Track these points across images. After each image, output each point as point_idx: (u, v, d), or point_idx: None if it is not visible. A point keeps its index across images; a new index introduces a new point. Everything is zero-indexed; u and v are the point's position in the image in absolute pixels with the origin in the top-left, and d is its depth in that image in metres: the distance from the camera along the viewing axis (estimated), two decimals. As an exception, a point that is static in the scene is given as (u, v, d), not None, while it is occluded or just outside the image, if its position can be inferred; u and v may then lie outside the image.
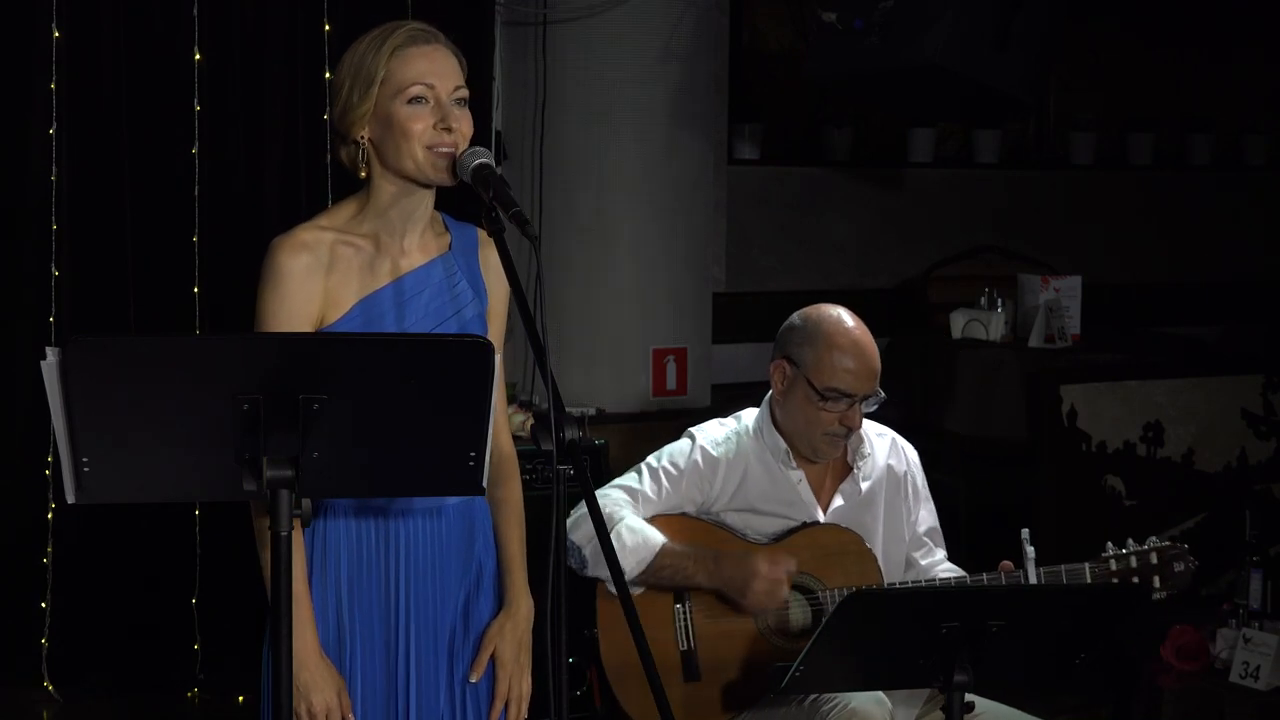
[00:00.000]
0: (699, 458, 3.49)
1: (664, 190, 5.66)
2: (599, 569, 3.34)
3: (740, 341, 6.41)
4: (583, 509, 3.29)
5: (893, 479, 3.58)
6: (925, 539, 3.61)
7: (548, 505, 2.50)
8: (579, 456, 2.45)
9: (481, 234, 2.82)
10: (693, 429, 3.58)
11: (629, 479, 3.50)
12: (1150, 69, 7.81)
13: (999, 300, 5.91)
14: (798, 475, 3.50)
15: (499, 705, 2.82)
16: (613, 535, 3.31)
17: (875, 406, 3.48)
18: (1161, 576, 3.40)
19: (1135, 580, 3.37)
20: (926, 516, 3.63)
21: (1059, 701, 4.52)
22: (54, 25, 4.84)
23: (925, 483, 3.64)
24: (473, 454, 2.40)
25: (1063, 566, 3.37)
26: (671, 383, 5.72)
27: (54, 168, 4.88)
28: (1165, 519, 5.48)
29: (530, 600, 2.84)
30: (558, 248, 5.58)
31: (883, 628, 2.70)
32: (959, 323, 5.97)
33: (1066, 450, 5.42)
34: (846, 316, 3.48)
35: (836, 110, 6.97)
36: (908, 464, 3.61)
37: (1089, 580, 3.36)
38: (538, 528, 2.86)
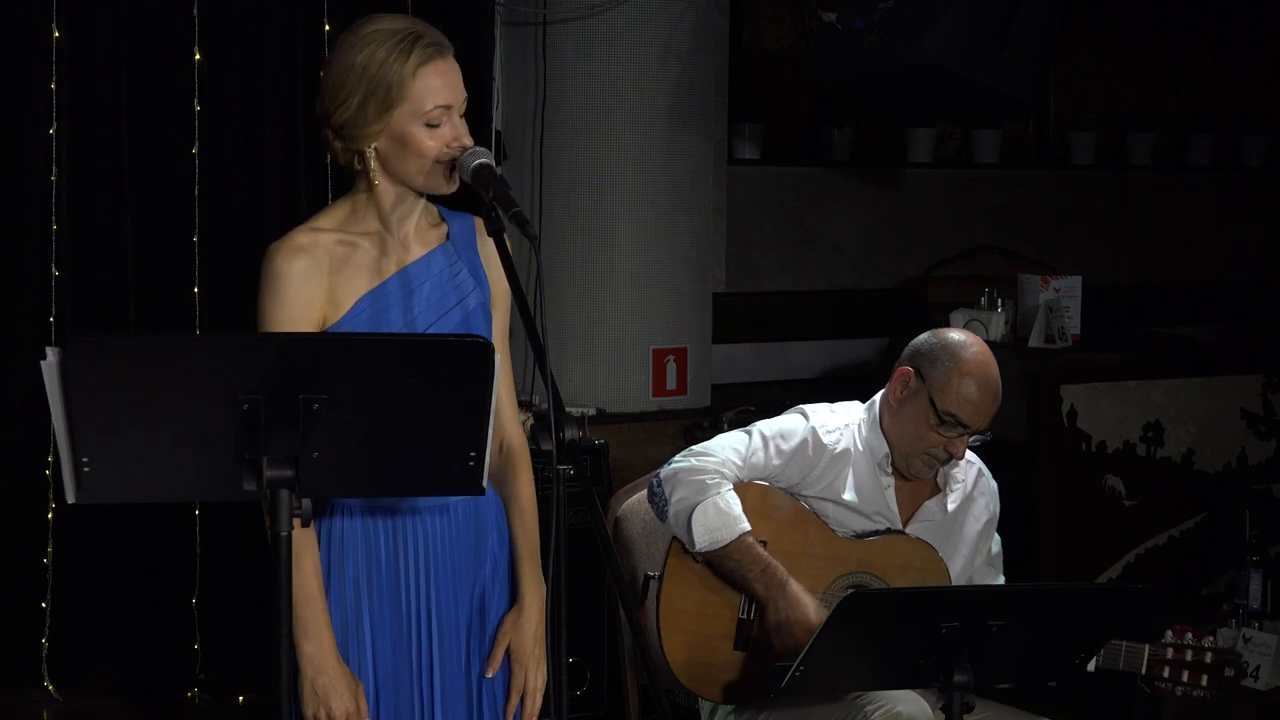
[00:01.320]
0: (810, 440, 3.48)
1: (664, 190, 5.66)
2: (681, 530, 3.36)
3: (740, 341, 6.41)
4: (687, 461, 3.36)
5: (976, 507, 3.59)
6: (989, 566, 3.63)
7: (547, 505, 2.50)
8: (579, 456, 2.45)
9: (478, 222, 2.80)
10: (804, 407, 3.56)
11: (738, 439, 3.49)
12: (1150, 69, 7.81)
13: (999, 300, 5.90)
14: (889, 482, 3.49)
15: (515, 699, 2.83)
16: (703, 505, 3.34)
17: (979, 444, 3.48)
18: (1210, 676, 3.39)
19: (1185, 675, 3.36)
20: (995, 545, 3.64)
21: (1059, 702, 4.52)
22: (54, 25, 4.84)
23: (999, 514, 3.65)
24: (473, 454, 2.40)
25: (1124, 643, 3.35)
26: (671, 383, 5.72)
27: (54, 168, 4.88)
28: (1165, 519, 5.48)
29: (542, 593, 2.84)
30: (558, 248, 5.58)
31: (883, 628, 2.70)
32: (959, 323, 5.95)
33: (1066, 450, 5.41)
34: (984, 351, 3.47)
35: (836, 110, 6.97)
36: (991, 495, 3.62)
37: (1145, 664, 3.34)
38: (538, 527, 2.87)
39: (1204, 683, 3.35)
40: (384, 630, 2.76)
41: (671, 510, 3.37)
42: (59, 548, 4.93)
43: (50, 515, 4.90)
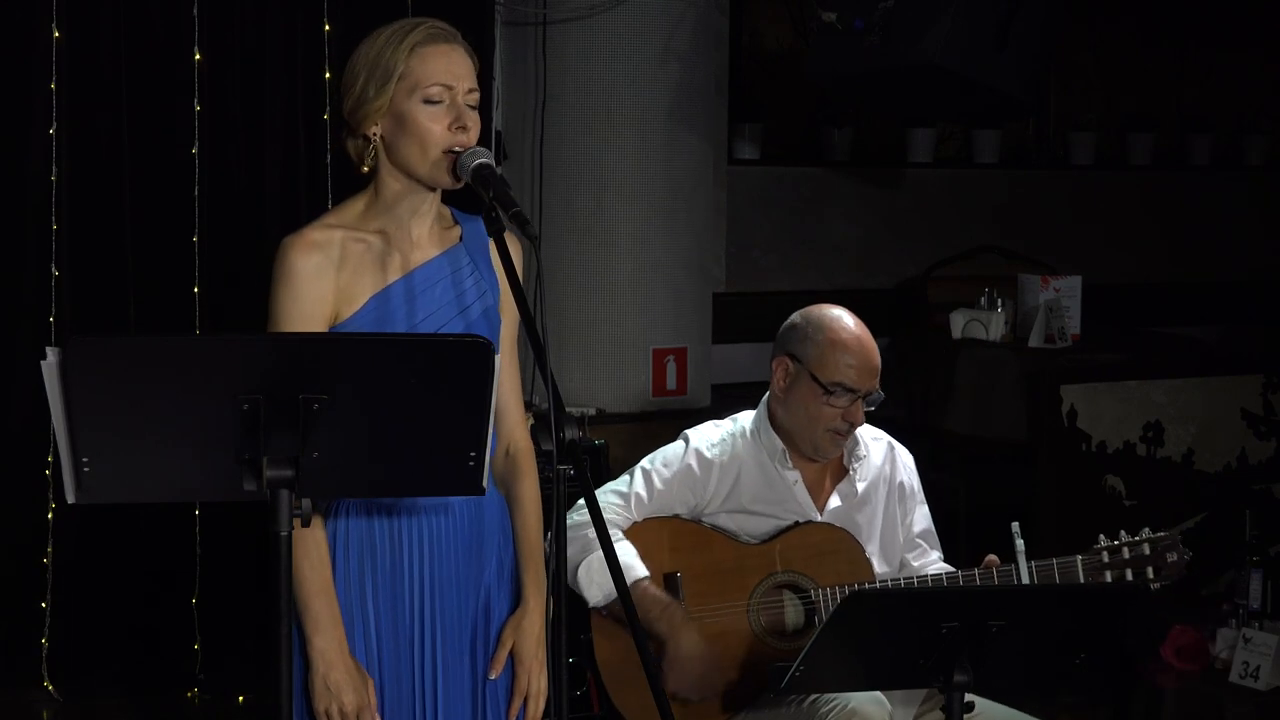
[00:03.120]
0: (693, 460, 3.49)
1: (664, 190, 5.66)
2: (573, 586, 3.34)
3: (740, 341, 6.41)
4: (574, 518, 3.30)
5: (888, 482, 3.59)
6: (919, 540, 3.62)
7: (547, 505, 2.50)
8: (579, 456, 2.45)
9: None
10: (688, 431, 3.58)
11: (621, 482, 3.51)
12: (1150, 69, 7.81)
13: (999, 300, 5.91)
14: (794, 476, 3.50)
15: (517, 701, 2.83)
16: (586, 562, 3.33)
17: (874, 406, 3.49)
18: (1155, 568, 3.39)
19: (1128, 571, 3.37)
20: (921, 519, 3.64)
21: (1059, 701, 4.53)
22: (54, 25, 4.84)
23: (920, 487, 3.66)
24: (473, 454, 2.40)
25: (1054, 560, 3.37)
26: (671, 383, 5.72)
27: (54, 168, 4.88)
28: (1165, 519, 5.48)
29: (545, 595, 2.84)
30: (558, 248, 5.58)
31: (883, 628, 2.70)
32: (959, 323, 5.97)
33: (1066, 450, 5.42)
34: (847, 315, 3.51)
35: (836, 110, 6.97)
36: (903, 468, 3.63)
37: (1080, 572, 3.36)
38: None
39: (1150, 575, 3.35)
40: (386, 631, 2.76)
41: (569, 573, 3.34)
42: (59, 548, 4.93)
43: (50, 515, 4.90)
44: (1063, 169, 7.54)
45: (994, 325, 5.87)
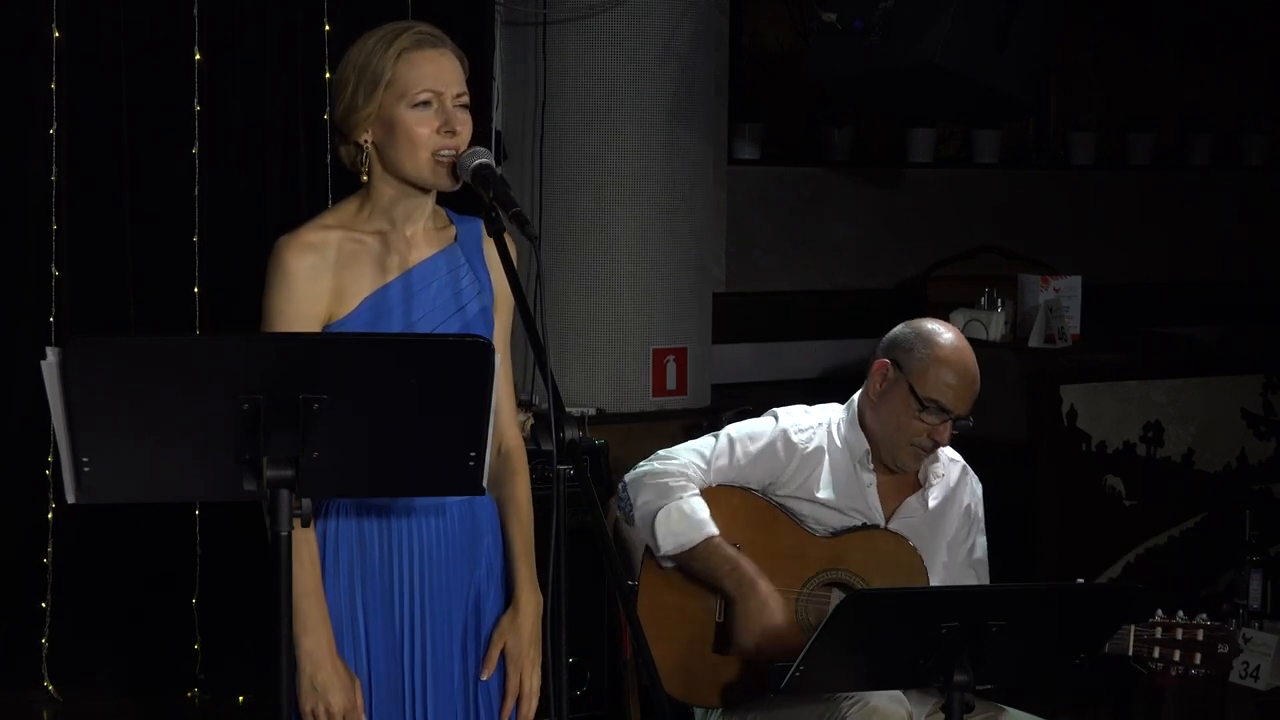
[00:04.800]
0: (779, 440, 3.49)
1: (664, 190, 5.66)
2: (646, 534, 3.37)
3: (740, 341, 6.41)
4: (646, 467, 3.36)
5: (958, 505, 3.59)
6: (972, 568, 3.62)
7: (548, 505, 2.50)
8: (579, 456, 2.45)
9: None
10: (778, 409, 3.58)
11: (704, 444, 3.50)
12: (1150, 69, 7.81)
13: (999, 300, 5.90)
14: (870, 478, 3.50)
15: (510, 701, 2.83)
16: (666, 509, 3.35)
17: (961, 432, 3.49)
18: (1204, 655, 3.36)
19: (1177, 652, 3.33)
20: (979, 548, 3.64)
21: (1059, 701, 4.52)
22: (54, 25, 4.84)
23: (983, 516, 3.65)
24: (473, 454, 2.40)
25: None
26: (671, 383, 5.72)
27: (54, 168, 4.88)
28: (1165, 519, 5.48)
29: (538, 595, 2.85)
30: (558, 248, 5.58)
31: (883, 628, 2.70)
32: (959, 323, 5.95)
33: (1066, 450, 5.41)
34: (957, 337, 3.51)
35: (836, 110, 6.97)
36: (972, 494, 3.63)
37: (1131, 643, 3.32)
38: (538, 528, 2.87)
39: (1197, 661, 3.32)
40: (377, 632, 2.76)
41: (637, 515, 3.38)
42: (59, 548, 4.93)
43: (50, 515, 4.90)
44: (1063, 169, 7.54)
45: (994, 325, 5.86)
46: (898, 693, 3.28)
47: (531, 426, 2.49)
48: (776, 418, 3.55)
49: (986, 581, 3.62)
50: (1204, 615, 3.38)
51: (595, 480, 4.79)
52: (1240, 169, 7.93)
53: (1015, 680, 2.98)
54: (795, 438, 3.50)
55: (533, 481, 2.98)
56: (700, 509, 3.37)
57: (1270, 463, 5.72)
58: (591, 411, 5.49)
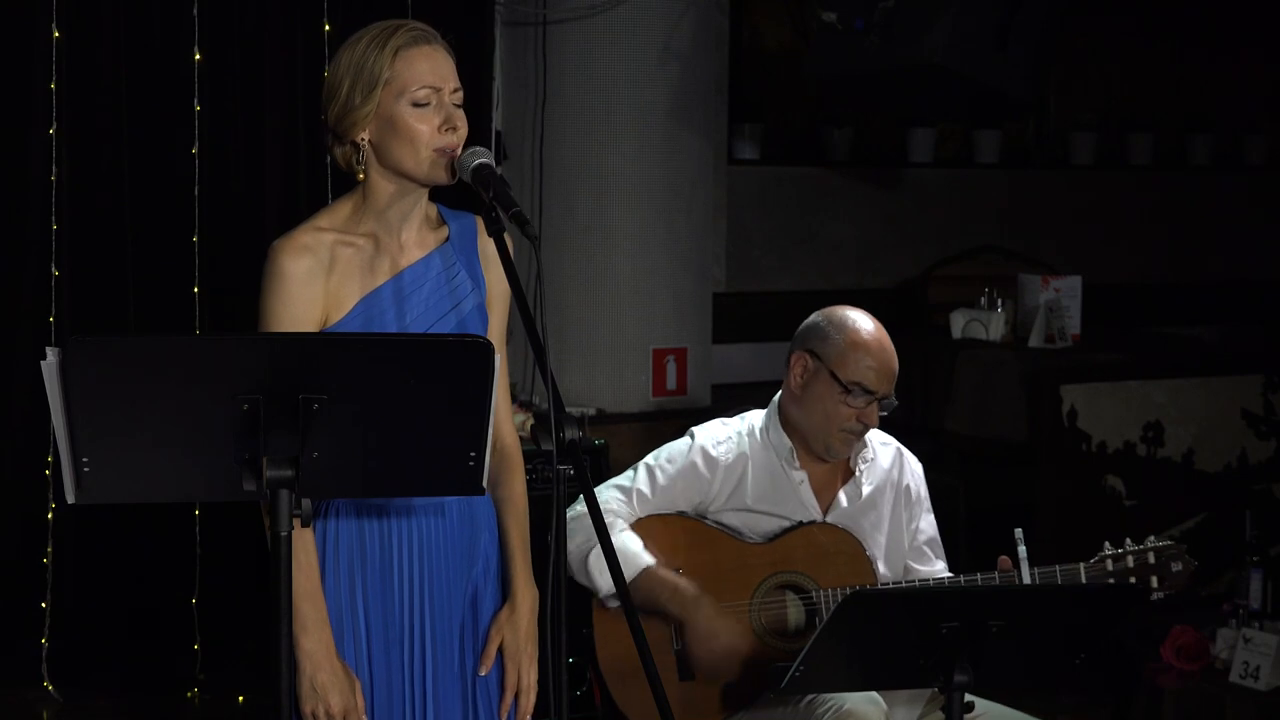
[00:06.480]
0: (698, 457, 3.49)
1: (664, 190, 5.66)
2: (582, 577, 3.35)
3: (740, 341, 6.41)
4: (576, 510, 3.30)
5: (895, 486, 3.59)
6: (924, 548, 3.61)
7: (547, 505, 2.50)
8: (579, 456, 2.45)
9: (480, 222, 2.81)
10: (694, 428, 3.58)
11: (625, 478, 3.50)
12: (1150, 69, 7.81)
13: (999, 300, 5.91)
14: (800, 476, 3.50)
15: (509, 696, 2.83)
16: (595, 551, 3.31)
17: (888, 411, 3.49)
18: (1159, 576, 3.39)
19: (1132, 580, 3.36)
20: (927, 527, 3.63)
21: (1059, 701, 4.52)
22: (54, 25, 4.84)
23: (927, 495, 3.65)
24: (473, 454, 2.40)
25: (1058, 566, 3.37)
26: (671, 383, 5.72)
27: (54, 168, 4.88)
28: (1165, 519, 5.48)
29: (534, 591, 2.85)
30: (558, 248, 5.58)
31: (883, 628, 2.70)
32: (959, 323, 5.97)
33: (1066, 450, 5.42)
34: (870, 319, 3.52)
35: (836, 110, 6.97)
36: (911, 474, 3.62)
37: (1084, 578, 3.35)
38: (537, 527, 2.87)
39: (1155, 585, 3.35)
40: (377, 630, 2.76)
41: (571, 561, 3.33)
42: (59, 548, 4.93)
43: (50, 515, 4.90)
44: (1063, 169, 7.54)
45: (994, 325, 5.87)
46: (874, 693, 3.28)
47: (531, 426, 2.49)
48: (693, 436, 3.54)
49: (942, 560, 3.62)
50: (1152, 538, 3.40)
51: (595, 481, 4.79)
52: (1240, 169, 7.94)
53: (1015, 680, 2.98)
54: (714, 451, 3.50)
55: (532, 481, 2.98)
56: (631, 542, 3.37)
57: (1270, 463, 5.72)
58: (591, 411, 5.49)
